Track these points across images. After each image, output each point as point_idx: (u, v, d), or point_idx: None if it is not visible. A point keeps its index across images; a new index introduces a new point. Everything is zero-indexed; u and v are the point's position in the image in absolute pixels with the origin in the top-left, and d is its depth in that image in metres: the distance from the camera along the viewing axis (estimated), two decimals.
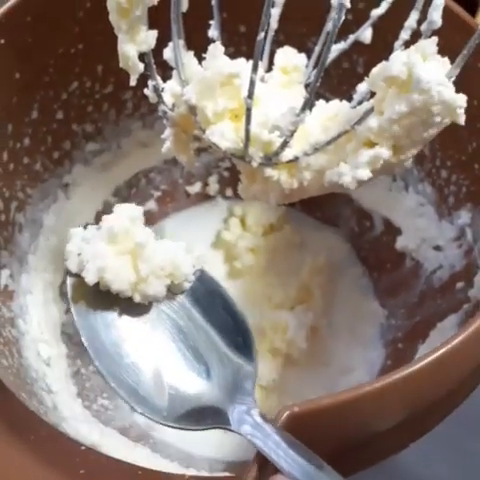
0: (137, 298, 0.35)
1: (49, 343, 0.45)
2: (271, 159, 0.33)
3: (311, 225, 0.56)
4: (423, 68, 0.28)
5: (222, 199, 0.57)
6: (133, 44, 0.30)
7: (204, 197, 0.57)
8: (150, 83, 0.33)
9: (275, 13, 0.37)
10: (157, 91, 0.33)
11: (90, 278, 0.34)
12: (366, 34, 0.39)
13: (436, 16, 0.30)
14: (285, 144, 0.32)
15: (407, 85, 0.29)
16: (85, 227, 0.36)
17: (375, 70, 0.30)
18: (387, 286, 0.52)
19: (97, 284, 0.34)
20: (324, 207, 0.56)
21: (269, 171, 0.33)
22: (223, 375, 0.34)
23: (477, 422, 0.48)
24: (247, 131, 0.32)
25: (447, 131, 0.43)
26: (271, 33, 0.38)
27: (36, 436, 0.29)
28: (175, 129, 0.35)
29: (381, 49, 0.35)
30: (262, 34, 0.28)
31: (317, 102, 0.36)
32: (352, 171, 0.31)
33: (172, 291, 0.36)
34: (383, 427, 0.28)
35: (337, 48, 0.38)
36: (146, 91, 0.34)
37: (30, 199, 0.46)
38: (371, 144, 0.31)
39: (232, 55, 0.37)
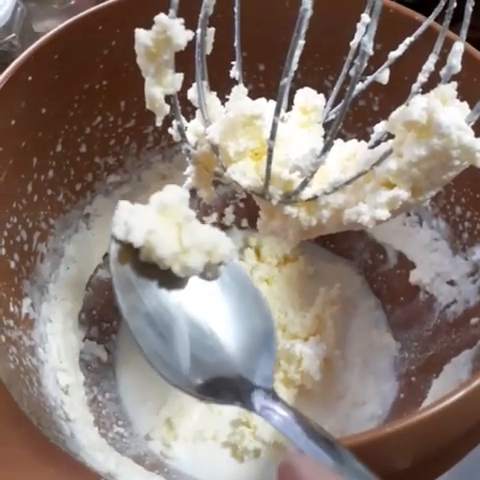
0: (176, 268, 0.35)
1: (67, 371, 0.46)
2: (291, 197, 0.34)
3: (325, 257, 0.57)
4: (443, 113, 0.29)
5: (238, 229, 0.57)
6: (160, 87, 0.31)
7: (220, 227, 0.57)
8: (175, 123, 0.34)
9: (296, 55, 0.38)
10: (181, 130, 0.34)
11: (137, 239, 0.34)
12: (384, 75, 0.40)
13: (456, 61, 0.31)
14: (305, 184, 0.32)
15: (427, 129, 0.29)
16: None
17: (394, 114, 0.31)
18: (400, 319, 0.53)
19: (138, 257, 0.35)
20: (338, 239, 0.57)
21: (288, 209, 0.34)
22: (244, 356, 0.36)
23: None
24: (268, 170, 0.33)
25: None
26: (291, 74, 0.39)
27: (57, 468, 0.30)
28: (197, 166, 0.36)
29: (397, 89, 0.36)
30: (285, 79, 0.29)
31: (335, 141, 0.37)
32: (371, 211, 0.32)
33: (207, 274, 0.37)
34: (394, 469, 0.29)
35: (357, 88, 0.39)
36: (170, 130, 0.35)
37: (52, 229, 0.47)
38: (390, 185, 0.32)
39: (251, 92, 0.38)
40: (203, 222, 0.57)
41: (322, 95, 0.39)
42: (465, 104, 0.31)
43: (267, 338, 0.37)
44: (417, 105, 0.30)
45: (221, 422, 0.49)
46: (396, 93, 0.35)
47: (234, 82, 0.38)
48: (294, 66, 0.39)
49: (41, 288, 0.46)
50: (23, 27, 0.63)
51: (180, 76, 0.32)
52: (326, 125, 0.40)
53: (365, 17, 0.37)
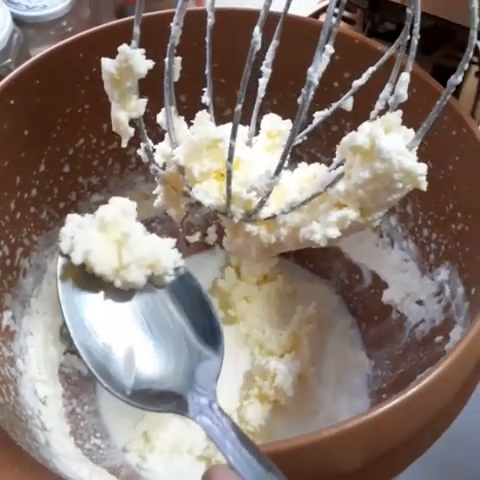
0: (118, 283, 0.37)
1: (46, 383, 0.47)
2: (251, 216, 0.35)
3: (303, 276, 0.59)
4: (384, 139, 0.31)
5: (220, 249, 0.59)
6: (124, 111, 0.33)
7: (203, 246, 0.60)
8: (142, 145, 0.36)
9: (263, 82, 0.40)
10: (148, 152, 0.36)
11: (76, 259, 0.37)
12: (348, 102, 0.42)
13: (402, 91, 0.32)
14: (262, 203, 0.34)
15: (370, 154, 0.31)
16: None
17: (344, 139, 0.33)
18: (374, 337, 0.54)
19: (85, 269, 0.37)
20: (316, 259, 0.58)
21: (249, 227, 0.36)
22: (189, 366, 0.37)
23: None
24: (228, 190, 0.34)
25: (428, 193, 0.46)
26: (259, 100, 0.41)
27: (20, 468, 0.31)
28: (165, 186, 0.38)
29: (365, 115, 0.38)
30: (239, 106, 0.31)
31: (299, 164, 0.39)
32: (323, 229, 0.33)
33: (153, 283, 0.39)
34: (345, 470, 0.30)
35: (321, 114, 0.41)
36: (139, 151, 0.37)
37: (35, 246, 0.49)
38: (341, 206, 0.34)
39: (229, 117, 0.40)
40: (186, 241, 0.59)
41: (288, 120, 0.41)
42: (411, 131, 0.32)
43: (213, 343, 0.38)
44: (362, 131, 0.32)
45: (197, 436, 0.51)
46: (365, 119, 0.37)
47: (205, 107, 0.40)
48: (261, 92, 0.41)
49: (23, 302, 0.48)
50: (20, 52, 0.66)
51: (144, 101, 0.34)
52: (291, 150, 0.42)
53: (328, 48, 0.39)
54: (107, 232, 0.37)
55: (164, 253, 0.38)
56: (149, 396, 0.36)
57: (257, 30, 0.30)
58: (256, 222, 0.36)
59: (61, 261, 0.38)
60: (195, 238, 0.59)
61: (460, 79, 0.30)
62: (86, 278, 0.37)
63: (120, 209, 0.38)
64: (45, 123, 0.46)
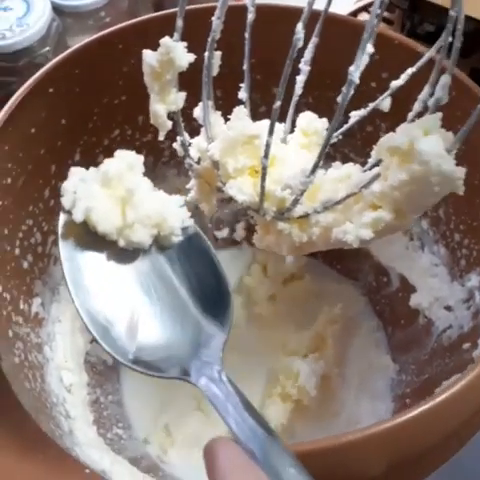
0: (121, 243, 0.36)
1: (72, 371, 0.48)
2: (283, 214, 0.35)
3: (331, 277, 0.58)
4: (423, 141, 0.31)
5: (247, 245, 0.59)
6: (163, 104, 0.33)
7: (231, 242, 0.60)
8: (178, 138, 0.36)
9: (300, 80, 0.40)
10: (184, 146, 0.36)
11: (77, 216, 0.35)
12: (385, 103, 0.42)
13: (442, 93, 0.32)
14: (296, 202, 0.34)
15: (408, 156, 0.31)
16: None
17: (382, 140, 0.33)
18: (400, 341, 0.54)
19: (87, 226, 0.36)
20: (344, 260, 0.58)
21: (281, 224, 0.36)
22: (195, 331, 0.36)
23: None
24: (262, 188, 0.34)
25: (462, 197, 0.45)
26: (295, 98, 0.40)
27: (45, 455, 0.32)
28: (199, 180, 0.38)
29: (401, 117, 0.37)
30: (278, 103, 0.31)
31: (333, 164, 0.39)
32: (356, 230, 0.33)
33: (160, 243, 0.37)
34: (367, 475, 0.30)
35: (357, 114, 0.41)
36: (175, 145, 0.37)
37: None
38: (375, 207, 0.33)
39: (264, 113, 0.40)
40: (215, 236, 0.60)
41: (325, 119, 0.41)
42: (450, 134, 0.32)
43: (221, 310, 0.37)
44: (401, 132, 0.32)
45: (218, 431, 0.51)
46: (401, 120, 0.37)
47: (242, 103, 0.40)
48: (299, 90, 0.41)
49: (52, 289, 0.48)
50: (58, 41, 0.66)
51: (183, 95, 0.34)
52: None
53: (369, 47, 0.39)
54: (111, 188, 0.36)
55: (171, 211, 0.37)
56: (152, 361, 0.35)
57: (300, 27, 0.30)
58: (289, 220, 0.36)
59: (63, 217, 0.37)
60: (223, 234, 0.59)
61: None
62: (89, 236, 0.36)
63: (125, 163, 0.37)
64: (82, 113, 0.46)
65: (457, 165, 0.32)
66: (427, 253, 0.51)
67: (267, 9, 0.44)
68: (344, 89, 0.30)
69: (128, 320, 0.36)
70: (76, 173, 0.37)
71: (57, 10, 0.66)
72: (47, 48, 0.65)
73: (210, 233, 0.59)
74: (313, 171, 0.32)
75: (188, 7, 0.42)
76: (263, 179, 0.34)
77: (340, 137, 0.42)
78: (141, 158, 0.38)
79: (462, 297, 0.47)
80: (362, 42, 0.30)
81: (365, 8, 0.61)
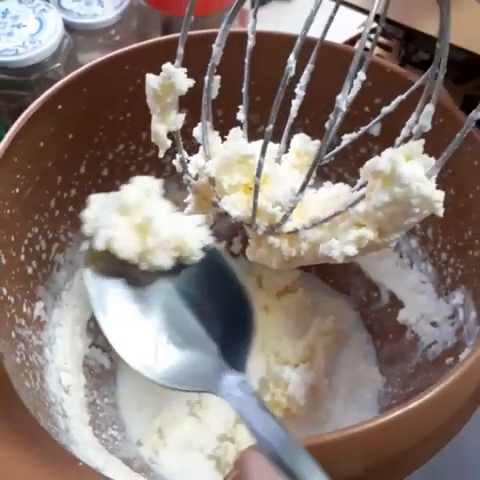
0: (144, 267, 0.37)
1: (71, 373, 0.50)
2: (274, 229, 0.37)
3: (324, 290, 0.61)
4: (405, 166, 0.33)
5: (243, 258, 0.61)
6: (164, 124, 0.36)
7: (228, 255, 0.62)
8: (177, 156, 0.39)
9: (295, 104, 0.42)
10: (183, 163, 0.39)
11: (99, 245, 0.36)
12: (376, 128, 0.44)
13: (426, 121, 0.34)
14: (286, 218, 0.36)
15: (391, 179, 0.33)
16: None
17: (367, 163, 0.35)
18: (388, 355, 0.56)
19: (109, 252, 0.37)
20: (337, 275, 0.60)
21: (272, 239, 0.38)
22: (218, 345, 0.37)
23: None
24: (255, 204, 0.37)
25: (449, 219, 0.48)
26: (290, 120, 0.43)
27: (41, 448, 0.34)
28: (196, 196, 0.40)
29: (392, 140, 0.40)
30: (270, 126, 0.34)
31: (325, 183, 0.41)
32: (341, 246, 0.35)
33: (181, 262, 0.38)
34: (344, 475, 0.32)
35: (349, 137, 0.43)
36: (174, 161, 0.39)
37: (71, 242, 0.51)
38: (360, 225, 0.35)
39: (262, 133, 0.42)
40: None
41: (317, 141, 0.43)
42: (432, 159, 0.34)
43: (245, 325, 0.37)
44: (385, 157, 0.34)
45: (209, 436, 0.53)
46: (391, 144, 0.39)
47: (240, 124, 0.42)
48: (294, 113, 0.44)
49: (55, 294, 0.51)
50: (69, 57, 0.69)
51: (182, 116, 0.36)
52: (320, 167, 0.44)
53: (361, 74, 0.41)
54: (130, 215, 0.37)
55: (190, 233, 0.38)
56: (180, 377, 0.36)
57: (292, 57, 0.33)
58: (279, 235, 0.38)
59: (86, 245, 0.39)
60: (221, 246, 0.61)
61: None
62: (112, 260, 0.37)
63: (143, 189, 0.38)
64: (88, 128, 0.48)
65: (443, 188, 0.34)
66: (415, 271, 0.53)
67: (266, 36, 0.46)
68: (331, 116, 0.33)
69: (154, 339, 0.37)
70: (96, 200, 0.39)
71: (69, 28, 0.69)
72: (58, 64, 0.67)
73: None
74: (301, 190, 0.35)
75: (191, 32, 0.44)
76: (255, 196, 0.36)
77: (332, 158, 0.44)
78: (158, 182, 0.39)
79: (447, 314, 0.49)
80: (349, 72, 0.32)
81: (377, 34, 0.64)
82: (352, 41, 0.60)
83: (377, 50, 0.61)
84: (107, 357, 0.55)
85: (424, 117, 0.35)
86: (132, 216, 0.38)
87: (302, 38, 0.34)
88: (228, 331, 0.37)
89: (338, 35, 0.58)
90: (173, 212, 0.39)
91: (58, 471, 0.34)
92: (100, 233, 0.37)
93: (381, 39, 0.60)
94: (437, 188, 0.44)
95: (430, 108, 0.35)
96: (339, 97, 0.32)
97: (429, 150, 0.35)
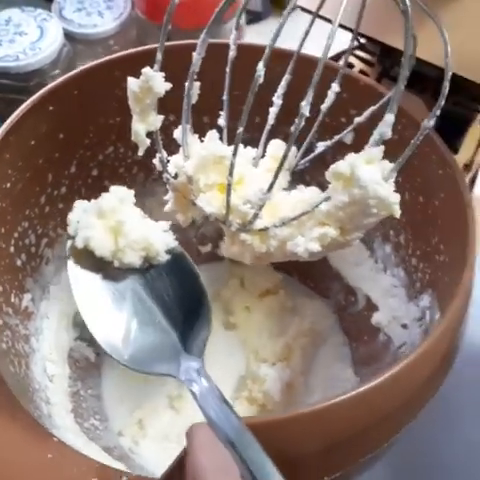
0: (116, 264, 0.44)
1: (56, 363, 0.52)
2: (246, 226, 0.40)
3: (304, 293, 0.63)
4: (363, 169, 0.35)
5: (229, 261, 0.64)
6: (143, 124, 0.39)
7: (213, 257, 0.64)
8: (157, 155, 0.41)
9: (273, 111, 0.45)
10: (162, 162, 0.41)
11: (79, 243, 0.44)
12: (348, 136, 0.47)
13: (386, 129, 0.37)
14: (256, 216, 0.39)
15: (350, 181, 0.36)
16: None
17: (332, 166, 0.38)
18: (362, 356, 0.58)
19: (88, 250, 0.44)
20: (318, 279, 0.62)
21: (244, 236, 0.40)
22: (180, 334, 0.43)
23: None
24: (228, 201, 0.39)
25: (419, 226, 0.50)
26: (268, 127, 0.45)
27: (22, 422, 0.36)
28: (176, 193, 0.43)
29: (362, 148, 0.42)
30: (241, 129, 0.36)
31: (298, 186, 0.44)
32: (305, 243, 0.38)
33: (149, 262, 0.45)
34: (301, 452, 0.34)
35: (323, 144, 0.46)
36: (154, 161, 0.42)
37: (60, 238, 0.53)
38: (324, 224, 0.38)
39: (247, 140, 0.44)
40: (198, 251, 0.64)
41: (294, 148, 0.46)
42: (390, 164, 0.37)
43: (202, 317, 0.44)
44: (346, 160, 0.36)
45: (186, 427, 0.55)
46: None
47: (220, 129, 0.45)
48: (271, 120, 0.46)
49: (43, 287, 0.53)
50: (68, 65, 0.72)
51: (161, 117, 0.39)
52: (294, 173, 0.46)
53: (334, 86, 0.44)
54: (106, 219, 0.44)
55: (156, 237, 0.44)
56: (145, 363, 0.41)
57: (261, 65, 0.35)
58: (250, 232, 0.40)
59: (69, 243, 0.45)
60: (207, 249, 0.64)
61: (432, 123, 0.35)
62: (90, 257, 0.44)
63: (118, 197, 0.45)
64: (79, 129, 0.51)
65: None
66: (389, 275, 0.55)
67: (248, 48, 0.49)
68: (296, 120, 0.35)
69: (124, 326, 0.43)
70: (79, 205, 0.45)
71: (69, 37, 0.72)
72: (57, 71, 0.70)
73: (194, 247, 0.64)
74: (269, 189, 0.37)
75: (178, 42, 0.47)
76: (228, 194, 0.39)
77: (307, 164, 0.46)
78: (132, 192, 0.46)
79: (416, 316, 0.51)
80: (312, 81, 0.34)
81: (352, 50, 0.66)
82: (338, 56, 0.63)
83: (360, 65, 0.64)
84: (92, 351, 0.57)
85: (385, 125, 0.37)
86: (107, 219, 0.44)
87: (270, 48, 0.36)
88: (188, 323, 0.43)
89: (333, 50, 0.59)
90: (143, 218, 0.46)
91: (34, 447, 0.36)
92: (80, 233, 0.44)
93: (364, 55, 0.63)
94: (407, 196, 0.47)
95: (389, 117, 0.37)
96: (303, 103, 0.35)
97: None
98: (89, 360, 0.56)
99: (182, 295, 0.45)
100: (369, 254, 0.57)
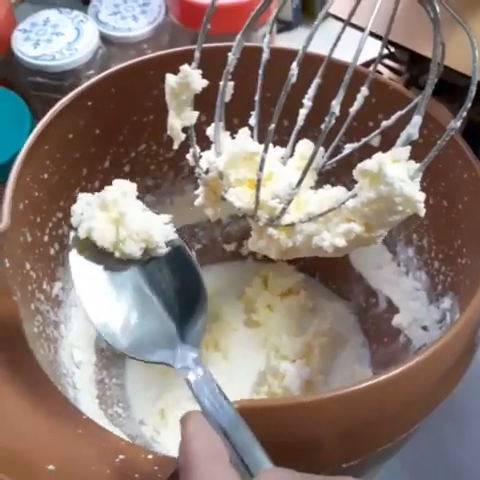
0: (117, 254, 0.45)
1: (83, 350, 0.54)
2: (274, 221, 0.41)
3: (325, 294, 0.64)
4: (390, 167, 0.37)
5: (252, 260, 0.65)
6: (179, 119, 0.40)
7: (237, 256, 0.66)
8: (191, 150, 0.43)
9: (302, 113, 0.46)
10: (195, 157, 0.43)
11: (81, 234, 0.45)
12: (376, 139, 0.48)
13: (413, 130, 0.38)
14: (284, 211, 0.40)
15: (377, 178, 0.37)
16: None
17: (359, 164, 0.39)
18: (382, 358, 0.59)
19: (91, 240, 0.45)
20: (339, 281, 0.64)
21: (271, 230, 0.42)
22: (178, 324, 0.44)
23: None
24: (257, 197, 0.41)
25: (442, 229, 0.51)
26: (297, 127, 0.47)
27: (50, 402, 0.38)
28: (206, 188, 0.44)
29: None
30: (272, 125, 0.38)
31: (325, 186, 0.45)
32: (331, 238, 0.39)
33: (149, 253, 0.46)
34: (317, 438, 0.35)
35: (350, 146, 0.47)
36: (187, 156, 0.44)
37: None
38: (349, 220, 0.39)
39: (276, 142, 0.46)
40: (223, 249, 0.66)
41: (321, 148, 0.47)
42: (416, 164, 0.38)
43: (199, 308, 0.45)
44: (374, 158, 0.38)
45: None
46: None
47: (250, 129, 0.46)
48: (300, 122, 0.47)
49: None
50: (102, 66, 0.74)
51: (196, 113, 0.41)
52: (321, 174, 0.48)
53: (364, 90, 0.45)
54: (108, 211, 0.45)
55: (157, 228, 0.46)
56: (142, 351, 0.43)
57: (294, 65, 0.37)
58: (278, 227, 0.42)
59: (72, 233, 0.46)
60: (231, 247, 0.65)
61: (458, 124, 0.36)
62: (92, 248, 0.45)
63: (120, 190, 0.46)
64: (114, 126, 0.53)
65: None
66: (411, 278, 0.56)
67: (280, 51, 0.50)
68: (326, 119, 0.37)
69: (123, 315, 0.44)
70: (83, 198, 0.47)
71: (104, 39, 0.74)
72: (92, 71, 0.72)
73: (219, 246, 0.65)
74: (298, 184, 0.39)
75: (212, 44, 0.49)
76: (257, 189, 0.40)
77: (334, 165, 0.48)
78: (134, 185, 0.47)
79: (436, 318, 0.52)
80: (343, 82, 0.36)
81: (382, 57, 0.68)
82: (368, 63, 0.64)
83: (389, 74, 0.65)
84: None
85: (412, 126, 0.38)
86: (110, 211, 0.46)
87: (304, 49, 0.38)
88: (185, 314, 0.45)
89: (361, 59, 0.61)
90: (144, 211, 0.47)
91: (65, 423, 0.38)
92: (83, 224, 0.45)
93: (393, 64, 0.64)
94: (432, 200, 0.48)
95: (417, 118, 0.38)
96: (333, 102, 0.36)
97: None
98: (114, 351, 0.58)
99: (181, 287, 0.46)
100: (392, 257, 0.58)
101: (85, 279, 0.45)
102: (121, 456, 0.37)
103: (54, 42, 0.68)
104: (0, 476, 0.32)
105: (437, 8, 0.37)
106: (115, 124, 0.53)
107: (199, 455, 0.30)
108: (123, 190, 0.46)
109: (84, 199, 0.47)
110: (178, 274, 0.46)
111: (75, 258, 0.46)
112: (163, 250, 0.46)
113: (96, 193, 0.47)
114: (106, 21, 0.74)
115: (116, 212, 0.45)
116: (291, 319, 0.62)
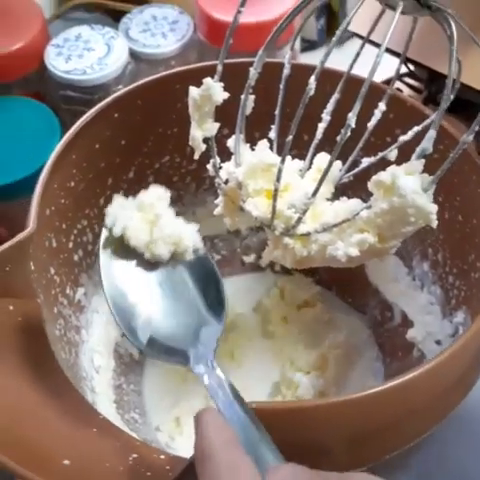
0: (147, 255, 0.47)
1: (102, 355, 0.55)
2: (289, 231, 0.43)
3: (341, 308, 0.65)
4: (403, 179, 0.38)
5: (271, 272, 0.66)
6: (200, 130, 0.42)
7: (256, 267, 0.67)
8: (211, 160, 0.45)
9: (321, 126, 0.47)
10: (215, 167, 0.45)
11: (116, 231, 0.47)
12: (392, 154, 0.49)
13: (427, 145, 0.39)
14: (299, 220, 0.42)
15: (391, 190, 0.38)
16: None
17: (374, 176, 0.40)
18: (395, 372, 0.59)
19: (123, 241, 0.48)
20: (355, 295, 0.64)
21: (287, 240, 0.43)
22: (196, 328, 0.46)
23: None
24: (273, 206, 0.42)
25: (457, 244, 0.52)
26: (315, 141, 0.48)
27: (67, 399, 0.39)
28: (225, 198, 0.46)
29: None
30: (290, 137, 0.39)
31: (341, 198, 0.46)
32: (345, 248, 0.40)
33: (176, 258, 0.49)
34: (326, 442, 0.36)
35: (367, 160, 0.48)
36: (208, 166, 0.45)
37: None
38: (363, 231, 0.40)
39: (295, 155, 0.48)
40: (242, 261, 0.67)
41: (338, 161, 0.48)
42: (429, 177, 0.39)
43: (218, 314, 0.47)
44: (388, 170, 0.39)
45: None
46: None
47: (270, 141, 0.48)
48: (319, 135, 0.49)
49: (96, 283, 0.56)
50: (130, 81, 0.76)
51: (217, 125, 0.42)
52: (337, 188, 0.49)
53: (381, 105, 0.46)
54: (144, 212, 0.48)
55: (187, 234, 0.48)
56: (160, 349, 0.45)
57: (312, 79, 0.38)
58: (293, 236, 0.43)
59: (104, 233, 0.48)
60: (250, 259, 0.66)
61: (471, 138, 0.37)
62: (123, 249, 0.48)
63: (156, 195, 0.49)
64: (140, 137, 0.55)
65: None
66: (426, 293, 0.57)
67: (302, 67, 0.52)
68: (342, 130, 0.38)
69: (145, 315, 0.46)
70: (118, 200, 0.49)
71: (134, 55, 0.76)
72: (120, 86, 0.74)
73: (239, 257, 0.67)
74: (313, 194, 0.40)
75: (235, 60, 0.51)
76: (274, 199, 0.41)
77: (351, 178, 0.49)
78: (168, 193, 0.50)
79: (449, 332, 0.52)
80: (360, 94, 0.37)
81: (400, 77, 0.69)
82: (388, 81, 0.65)
83: (409, 92, 0.66)
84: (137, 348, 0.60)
85: (426, 141, 0.39)
86: (146, 212, 0.48)
87: (321, 64, 0.39)
88: (205, 320, 0.47)
89: (380, 74, 0.62)
90: (176, 218, 0.49)
91: (81, 421, 0.39)
92: (119, 222, 0.48)
93: (413, 82, 0.66)
94: (447, 215, 0.49)
95: (432, 133, 0.39)
96: (350, 115, 0.38)
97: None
98: (133, 357, 0.59)
99: (203, 294, 0.48)
100: (407, 271, 0.59)
101: (112, 278, 0.47)
102: (134, 455, 0.38)
103: (85, 57, 0.71)
104: (4, 460, 0.33)
105: (453, 26, 0.39)
106: (140, 135, 0.55)
107: (215, 442, 0.31)
108: (158, 195, 0.49)
109: (119, 201, 0.49)
110: (201, 282, 0.49)
111: (105, 256, 0.48)
112: (190, 256, 0.49)
113: (130, 197, 0.50)
114: (136, 38, 0.77)
115: (152, 214, 0.48)
116: (306, 331, 0.62)
